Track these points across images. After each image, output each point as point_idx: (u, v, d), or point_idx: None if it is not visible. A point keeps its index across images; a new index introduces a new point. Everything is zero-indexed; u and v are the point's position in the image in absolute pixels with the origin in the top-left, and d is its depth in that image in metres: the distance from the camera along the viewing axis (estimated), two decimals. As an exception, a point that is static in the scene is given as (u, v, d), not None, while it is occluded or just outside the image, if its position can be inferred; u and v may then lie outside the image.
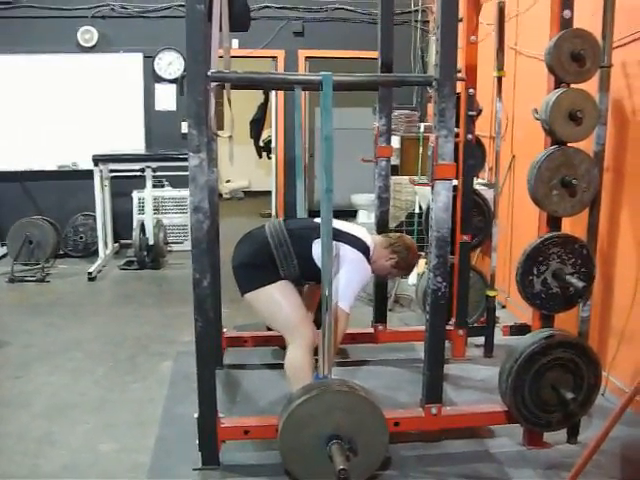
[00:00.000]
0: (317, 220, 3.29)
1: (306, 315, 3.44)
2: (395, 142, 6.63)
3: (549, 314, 3.26)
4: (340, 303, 3.37)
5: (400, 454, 3.24)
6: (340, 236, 3.49)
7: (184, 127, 7.54)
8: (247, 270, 3.50)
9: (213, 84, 2.99)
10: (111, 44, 7.82)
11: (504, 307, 5.54)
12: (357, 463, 2.89)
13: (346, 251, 3.47)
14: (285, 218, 3.67)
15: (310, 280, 3.57)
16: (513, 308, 5.39)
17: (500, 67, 4.23)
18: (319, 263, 3.15)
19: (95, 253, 7.29)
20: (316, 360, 3.30)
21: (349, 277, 3.43)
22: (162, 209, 7.86)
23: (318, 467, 2.89)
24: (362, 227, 3.78)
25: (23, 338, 4.86)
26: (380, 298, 4.51)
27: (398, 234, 3.93)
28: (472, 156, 4.26)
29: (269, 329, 4.18)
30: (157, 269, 7.06)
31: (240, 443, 3.25)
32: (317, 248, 3.30)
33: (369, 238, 3.67)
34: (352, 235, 3.59)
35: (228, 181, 12.39)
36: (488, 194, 4.73)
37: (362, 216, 9.62)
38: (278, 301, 3.42)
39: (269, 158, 9.37)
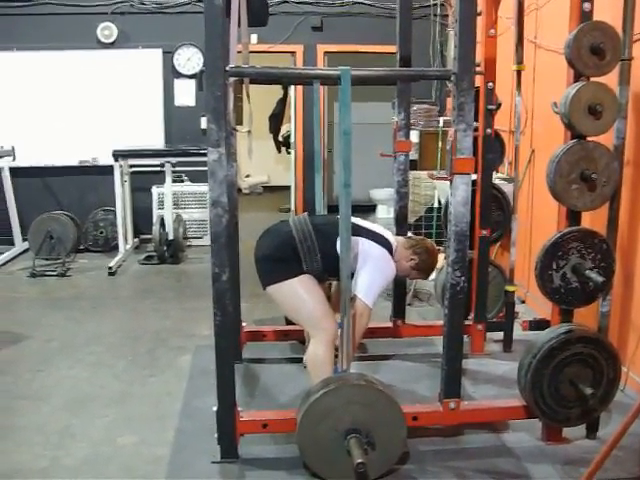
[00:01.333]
0: None
1: (329, 309, 3.44)
2: (414, 136, 6.62)
3: (568, 309, 3.24)
4: (364, 298, 3.39)
5: (418, 448, 3.25)
6: (365, 233, 3.54)
7: (203, 122, 7.54)
8: (270, 263, 3.50)
9: (232, 79, 3.00)
10: (130, 40, 7.85)
11: (523, 302, 5.51)
12: (375, 457, 2.90)
13: (371, 247, 3.50)
14: (309, 214, 3.68)
15: (332, 276, 3.57)
16: (532, 303, 5.37)
17: (519, 61, 4.21)
18: None
19: (115, 248, 7.34)
20: (336, 355, 3.32)
21: (374, 273, 3.45)
22: (182, 204, 7.89)
23: (336, 461, 2.90)
24: (386, 229, 3.81)
25: (44, 332, 4.91)
26: (399, 293, 4.51)
27: (420, 237, 3.96)
28: (491, 150, 4.24)
29: (288, 323, 4.20)
30: (177, 264, 7.10)
31: (259, 436, 3.26)
32: None
33: (392, 238, 3.69)
34: (376, 232, 3.62)
35: (247, 176, 12.42)
36: (507, 188, 4.71)
37: (381, 211, 9.62)
38: (301, 295, 3.42)
39: (288, 153, 9.38)
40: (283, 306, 3.59)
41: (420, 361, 4.35)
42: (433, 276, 4.81)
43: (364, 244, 3.48)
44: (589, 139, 3.08)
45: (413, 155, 6.25)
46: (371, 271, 3.45)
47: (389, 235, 3.70)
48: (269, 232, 3.64)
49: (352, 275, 3.22)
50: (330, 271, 3.45)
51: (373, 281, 3.45)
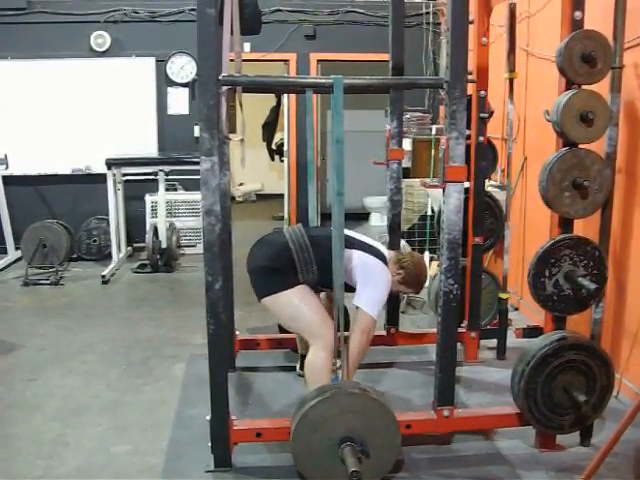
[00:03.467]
0: None
1: (327, 317, 3.43)
2: (407, 144, 6.64)
3: (561, 316, 3.25)
4: (370, 311, 3.41)
5: (412, 456, 3.24)
6: (360, 245, 3.56)
7: (197, 131, 7.55)
8: (265, 274, 3.50)
9: (224, 88, 3.00)
10: (123, 48, 7.86)
11: (517, 309, 5.53)
12: (369, 465, 2.89)
13: (370, 259, 3.53)
14: (303, 225, 3.69)
15: (327, 287, 3.58)
16: (526, 310, 5.38)
17: (511, 69, 4.23)
18: None
19: (108, 256, 7.33)
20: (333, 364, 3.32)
21: (376, 285, 3.48)
22: (175, 212, 7.89)
23: (330, 469, 2.89)
24: (379, 243, 3.84)
25: (37, 341, 4.89)
26: (393, 301, 4.50)
27: (409, 251, 3.97)
28: (484, 158, 4.25)
29: (282, 331, 4.20)
30: (170, 272, 7.08)
31: (252, 445, 3.25)
32: None
33: (386, 251, 3.72)
34: (371, 245, 3.66)
35: (241, 184, 12.42)
36: (500, 196, 4.73)
37: (374, 219, 9.64)
38: (298, 304, 3.43)
39: (281, 161, 9.39)
40: (280, 317, 3.59)
41: (414, 369, 4.35)
42: (427, 283, 4.82)
43: (361, 257, 3.50)
44: (581, 147, 3.10)
45: (406, 163, 6.28)
46: (374, 284, 3.47)
47: (382, 248, 3.74)
48: (262, 242, 3.64)
49: (345, 285, 3.21)
50: (325, 282, 3.45)
51: (377, 293, 3.48)
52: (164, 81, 8.02)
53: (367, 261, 3.51)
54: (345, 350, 3.20)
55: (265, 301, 3.50)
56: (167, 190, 7.54)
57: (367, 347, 3.51)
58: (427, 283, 4.72)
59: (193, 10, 7.37)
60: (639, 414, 2.62)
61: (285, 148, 8.80)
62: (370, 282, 3.46)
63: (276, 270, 3.47)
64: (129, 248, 7.88)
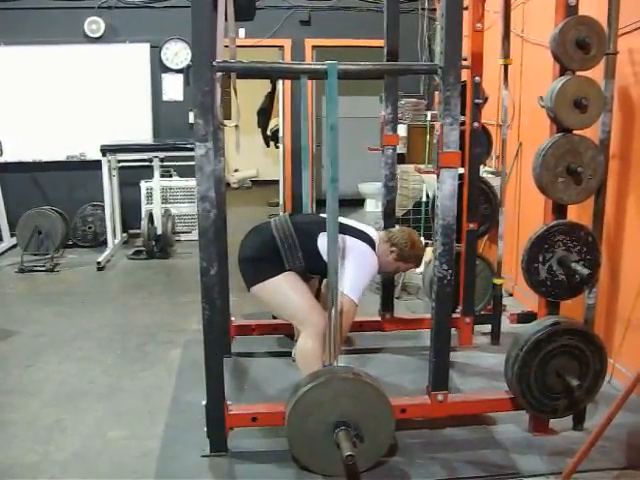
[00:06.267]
0: (323, 215, 3.30)
1: (315, 303, 3.46)
2: (402, 130, 6.63)
3: (555, 301, 3.26)
4: (349, 294, 3.41)
5: (406, 441, 3.26)
6: (347, 230, 3.56)
7: (191, 117, 7.54)
8: (252, 263, 3.54)
9: (219, 74, 3.00)
10: (118, 34, 7.84)
11: (511, 295, 5.55)
12: (364, 449, 2.91)
13: (353, 243, 3.53)
14: (292, 213, 3.72)
15: (315, 274, 3.61)
16: (520, 296, 5.40)
17: (506, 55, 4.22)
18: (325, 256, 3.17)
19: (104, 243, 7.33)
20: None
21: (358, 269, 3.48)
22: (170, 199, 7.89)
23: (325, 453, 2.92)
24: (369, 226, 3.85)
25: (33, 327, 4.90)
26: (387, 286, 4.52)
27: (399, 227, 3.97)
28: (478, 144, 4.25)
29: (276, 318, 4.21)
30: (165, 258, 7.10)
31: (248, 430, 3.27)
32: (322, 241, 3.35)
33: (374, 234, 3.72)
34: (359, 229, 3.67)
35: (236, 170, 12.41)
36: (495, 182, 4.73)
37: (370, 205, 9.66)
38: (285, 291, 3.45)
39: (277, 147, 9.38)
40: (270, 304, 3.62)
41: (408, 354, 4.36)
42: (421, 269, 4.82)
43: (347, 241, 3.50)
44: (575, 133, 3.10)
45: (401, 149, 6.27)
46: (355, 267, 3.47)
47: (372, 232, 3.75)
48: (252, 233, 3.69)
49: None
50: (313, 269, 3.49)
51: (357, 277, 3.48)
52: (159, 67, 8.01)
53: (350, 244, 3.51)
54: (329, 335, 3.20)
55: (254, 289, 3.53)
56: (162, 176, 7.53)
57: (348, 330, 3.54)
58: (422, 269, 4.74)
59: (187, -5, 7.34)
60: (630, 398, 2.64)
61: (280, 134, 8.79)
62: (352, 265, 3.46)
63: (262, 259, 3.51)
64: (124, 235, 7.89)
